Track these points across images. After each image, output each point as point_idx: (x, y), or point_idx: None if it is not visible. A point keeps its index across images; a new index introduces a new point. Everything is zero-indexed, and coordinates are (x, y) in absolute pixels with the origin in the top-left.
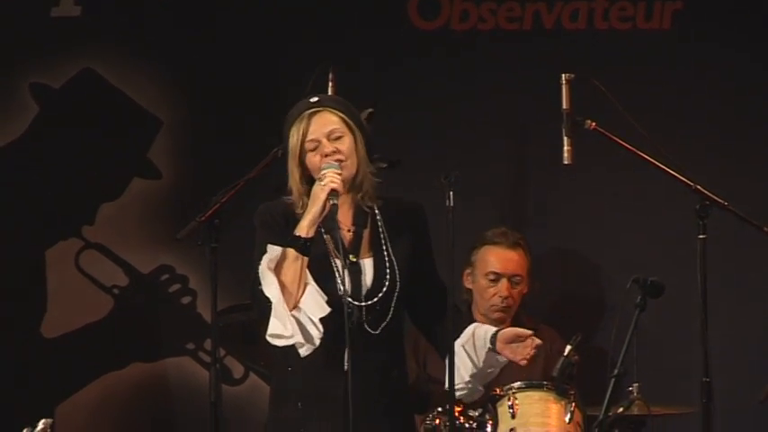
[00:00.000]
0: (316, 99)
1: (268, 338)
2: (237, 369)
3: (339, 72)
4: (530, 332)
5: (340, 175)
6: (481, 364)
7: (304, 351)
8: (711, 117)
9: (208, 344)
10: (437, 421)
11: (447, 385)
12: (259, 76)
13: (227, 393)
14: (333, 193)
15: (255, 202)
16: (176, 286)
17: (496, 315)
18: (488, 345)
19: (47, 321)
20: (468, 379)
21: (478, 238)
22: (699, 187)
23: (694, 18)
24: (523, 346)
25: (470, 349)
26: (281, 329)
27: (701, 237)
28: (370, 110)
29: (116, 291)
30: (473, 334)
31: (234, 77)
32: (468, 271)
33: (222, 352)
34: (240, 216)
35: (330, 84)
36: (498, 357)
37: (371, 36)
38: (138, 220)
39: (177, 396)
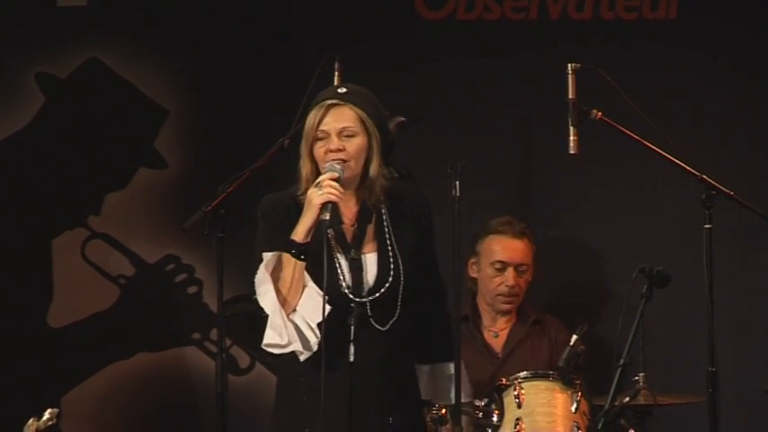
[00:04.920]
0: (343, 90)
1: (263, 348)
2: (243, 359)
3: (345, 62)
4: None
5: (338, 181)
6: None
7: (303, 357)
8: (718, 106)
9: (214, 333)
10: (443, 411)
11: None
12: (265, 66)
13: (234, 383)
14: (326, 205)
15: (262, 192)
16: (182, 276)
17: (504, 306)
18: None
19: (53, 311)
20: None
21: (483, 227)
22: (705, 177)
23: (700, 7)
24: None
25: None
26: (276, 339)
27: (706, 226)
28: (402, 119)
29: (122, 280)
30: None
31: (240, 67)
32: (473, 260)
33: (228, 342)
34: (246, 206)
35: (336, 74)
36: None
37: (378, 26)
38: (145, 209)
39: (183, 386)
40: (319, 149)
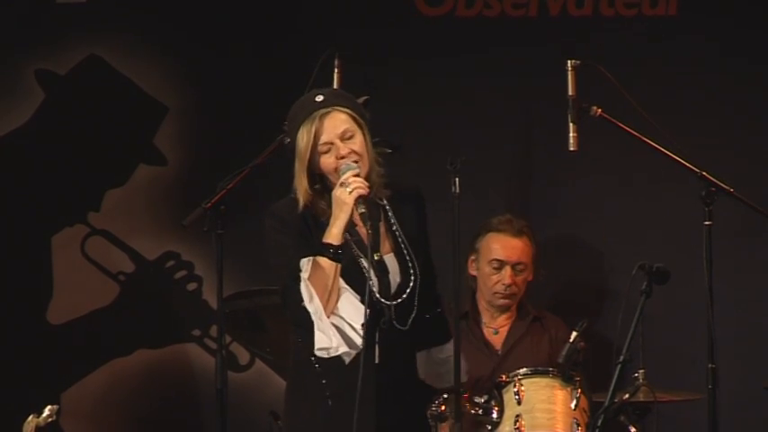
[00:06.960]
0: (321, 98)
1: (316, 353)
2: (243, 355)
3: (344, 59)
4: None
5: (359, 176)
6: None
7: (349, 359)
8: (718, 103)
9: (214, 330)
10: (442, 408)
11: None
12: (265, 63)
13: (233, 380)
14: (361, 199)
15: (261, 189)
16: (182, 273)
17: (500, 302)
18: None
19: (53, 308)
20: None
21: (484, 224)
22: (705, 173)
23: (700, 4)
24: None
25: None
26: (326, 342)
27: (706, 223)
28: (366, 97)
29: (122, 277)
30: None
31: (239, 64)
32: (472, 258)
33: (228, 338)
34: (246, 203)
35: (336, 71)
36: None
37: (378, 22)
38: (144, 206)
39: (183, 382)
40: (328, 161)
